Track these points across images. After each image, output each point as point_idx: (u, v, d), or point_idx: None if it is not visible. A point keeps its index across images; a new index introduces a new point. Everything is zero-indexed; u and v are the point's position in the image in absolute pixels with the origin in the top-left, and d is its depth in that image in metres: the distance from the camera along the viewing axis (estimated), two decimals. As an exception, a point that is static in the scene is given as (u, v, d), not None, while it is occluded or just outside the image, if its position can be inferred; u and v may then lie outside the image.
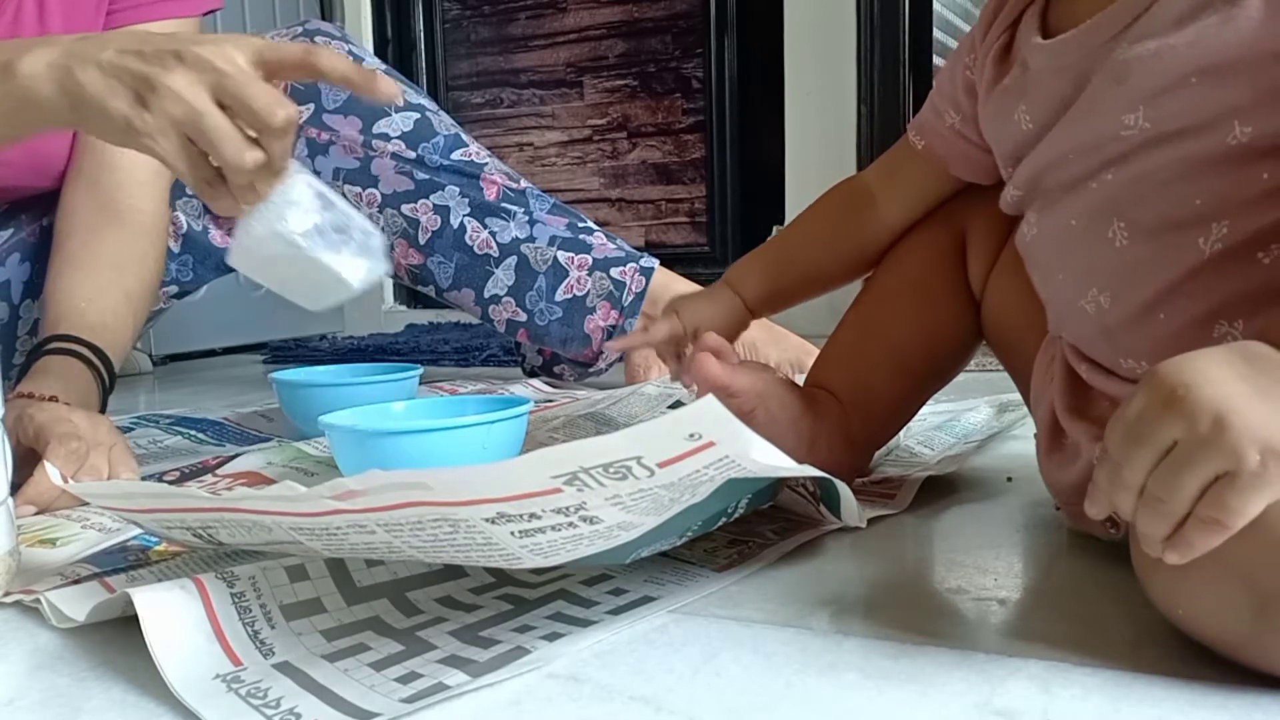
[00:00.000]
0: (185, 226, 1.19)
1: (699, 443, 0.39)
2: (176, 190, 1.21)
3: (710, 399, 0.38)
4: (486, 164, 1.24)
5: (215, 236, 1.21)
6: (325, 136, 1.18)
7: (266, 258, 0.67)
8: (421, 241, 1.21)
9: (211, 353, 1.97)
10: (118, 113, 0.64)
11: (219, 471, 0.84)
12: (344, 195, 1.18)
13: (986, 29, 0.63)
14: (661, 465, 0.39)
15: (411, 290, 2.11)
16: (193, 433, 1.04)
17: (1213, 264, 0.49)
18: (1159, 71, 0.49)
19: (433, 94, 2.51)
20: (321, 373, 1.06)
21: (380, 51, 2.55)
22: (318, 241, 0.66)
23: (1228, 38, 0.47)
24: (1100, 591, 0.52)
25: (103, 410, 0.85)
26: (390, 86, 0.67)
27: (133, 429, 1.05)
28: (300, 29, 1.24)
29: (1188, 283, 0.50)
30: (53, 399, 0.77)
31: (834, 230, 0.76)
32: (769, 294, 0.77)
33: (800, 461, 0.47)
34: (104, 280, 0.93)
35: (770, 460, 0.43)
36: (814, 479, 0.61)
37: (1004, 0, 0.62)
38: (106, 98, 0.64)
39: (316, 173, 1.17)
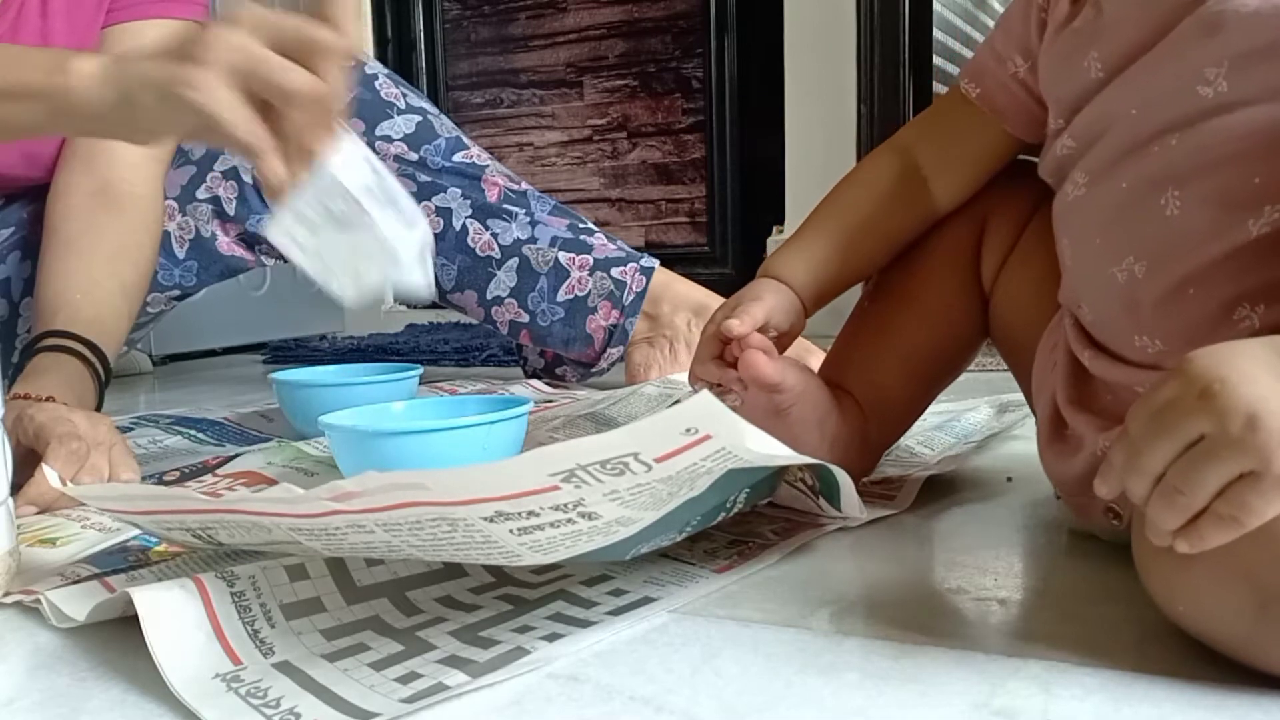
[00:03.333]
0: (194, 232, 1.20)
1: (695, 437, 0.39)
2: (186, 195, 1.21)
3: (705, 393, 0.38)
4: (488, 166, 1.24)
5: (222, 244, 1.21)
6: None
7: (315, 223, 0.64)
8: None
9: (211, 353, 1.97)
10: (164, 73, 0.62)
11: (219, 472, 0.84)
12: None
13: None
14: (659, 460, 0.40)
15: (411, 290, 2.11)
16: (193, 433, 1.04)
17: (1254, 246, 0.48)
18: (1255, 31, 0.48)
19: (433, 94, 2.51)
20: (321, 373, 1.06)
21: (380, 51, 2.55)
22: (374, 202, 0.63)
23: None
24: (1100, 592, 0.52)
25: (99, 407, 0.85)
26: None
27: (133, 429, 1.05)
28: None
29: (1226, 262, 0.49)
30: (50, 400, 0.77)
31: (884, 216, 0.69)
32: (818, 285, 0.70)
33: (820, 460, 0.47)
34: (99, 271, 0.92)
35: (766, 449, 0.43)
36: (813, 472, 0.61)
37: None
38: (153, 66, 0.63)
39: None
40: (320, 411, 0.76)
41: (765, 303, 0.67)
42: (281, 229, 0.65)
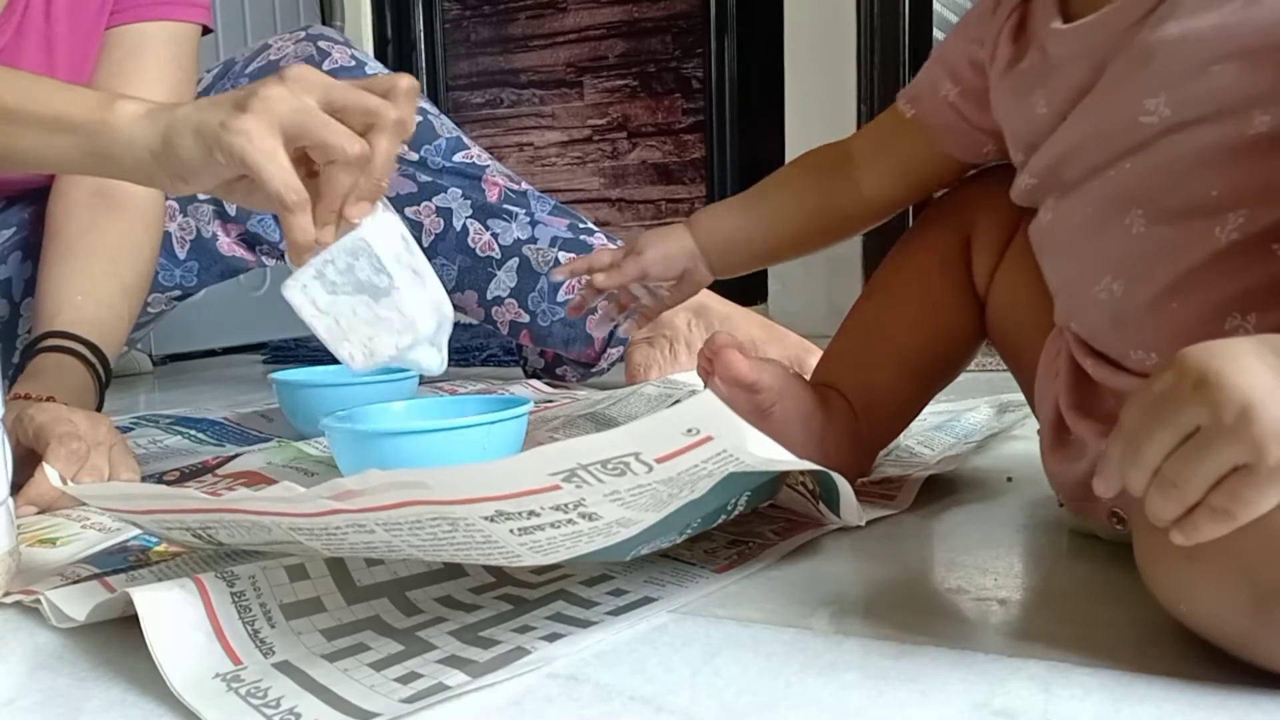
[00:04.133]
0: (195, 232, 1.20)
1: (696, 438, 0.39)
2: (188, 197, 1.21)
3: (708, 394, 0.38)
4: (488, 166, 1.24)
5: (223, 244, 1.21)
6: None
7: (336, 285, 0.63)
8: (424, 244, 1.21)
9: (211, 353, 1.97)
10: (211, 116, 0.62)
11: (219, 471, 0.84)
12: None
13: (996, 4, 0.62)
14: (660, 461, 0.39)
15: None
16: (193, 432, 1.04)
17: (1227, 254, 0.49)
18: (1183, 56, 0.49)
19: (433, 94, 2.51)
20: (320, 373, 1.06)
21: (380, 52, 2.55)
22: (403, 273, 0.63)
23: (1255, 22, 0.47)
24: (1100, 591, 0.52)
25: (100, 408, 0.85)
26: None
27: (133, 429, 1.05)
28: (303, 34, 1.25)
29: (1202, 272, 0.49)
30: (50, 400, 0.77)
31: (807, 190, 0.74)
32: (726, 240, 0.75)
33: (809, 459, 0.47)
34: (99, 271, 0.92)
35: (768, 453, 0.43)
36: (814, 477, 0.61)
37: None
38: (200, 109, 0.64)
39: None
40: (320, 412, 0.76)
41: (644, 257, 0.73)
42: (298, 286, 0.64)
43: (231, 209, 1.22)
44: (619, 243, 1.24)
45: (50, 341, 0.85)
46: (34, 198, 1.12)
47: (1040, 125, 0.57)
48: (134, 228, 0.96)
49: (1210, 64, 0.48)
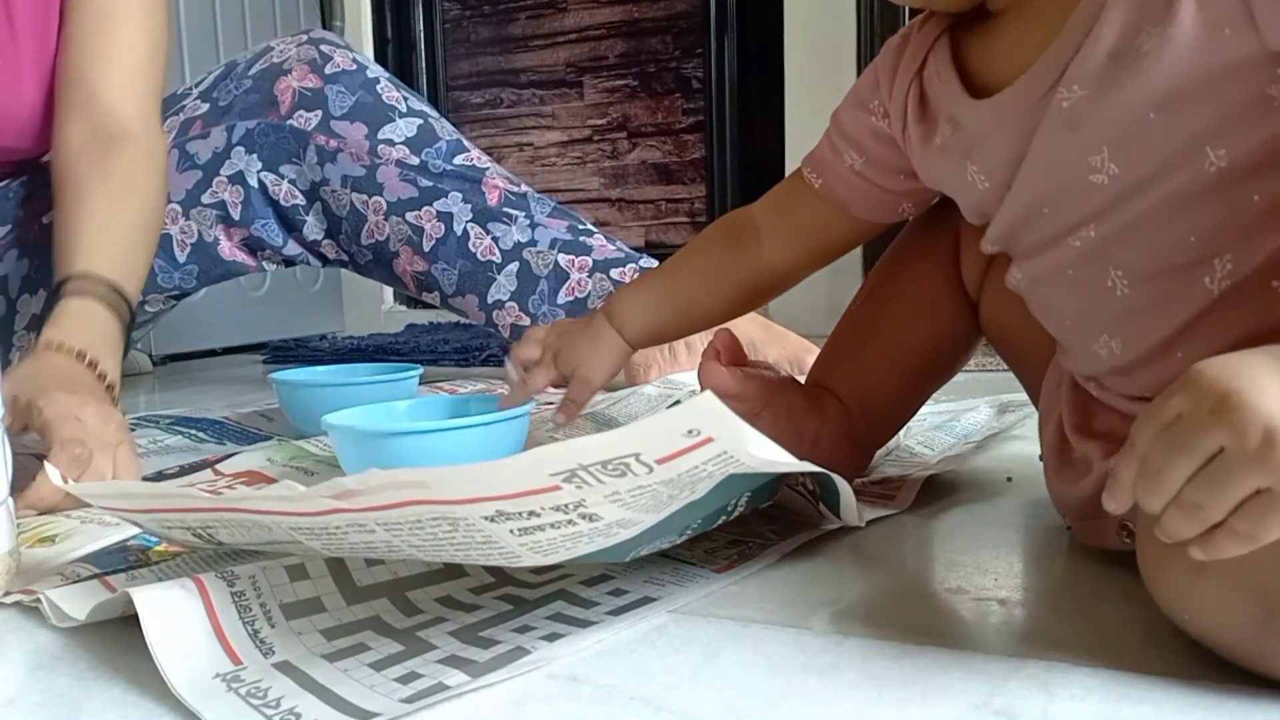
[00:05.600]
0: (196, 235, 1.20)
1: (697, 439, 0.39)
2: (191, 200, 1.21)
3: (708, 395, 0.38)
4: (488, 168, 1.24)
5: (225, 249, 1.21)
6: (333, 144, 1.18)
7: None
8: (426, 249, 1.21)
9: (211, 353, 1.97)
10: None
11: (219, 468, 0.84)
12: (351, 202, 1.19)
13: (891, 77, 0.60)
14: (660, 462, 0.39)
15: (412, 290, 2.11)
16: (193, 432, 1.04)
17: (1225, 301, 0.46)
18: (1113, 114, 0.46)
19: (432, 94, 2.51)
20: (320, 373, 1.06)
21: (380, 52, 2.55)
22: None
23: (1172, 62, 0.44)
24: (1100, 592, 0.52)
25: (127, 350, 0.87)
26: None
27: (133, 429, 1.05)
28: (305, 37, 1.25)
29: (1200, 323, 0.47)
30: (80, 354, 0.78)
31: (715, 266, 0.73)
32: (649, 330, 0.75)
33: (805, 462, 0.47)
34: (111, 207, 0.92)
35: (768, 455, 0.43)
36: (814, 478, 0.61)
37: (899, 48, 0.60)
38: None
39: (325, 180, 1.18)
40: (320, 411, 0.76)
41: (594, 381, 0.76)
42: None
43: (236, 213, 1.22)
44: (618, 243, 1.25)
45: (72, 284, 0.85)
46: (28, 191, 1.12)
47: (985, 198, 0.55)
48: (136, 163, 0.97)
49: (1144, 115, 0.45)
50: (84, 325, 0.82)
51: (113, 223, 0.91)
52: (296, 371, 1.03)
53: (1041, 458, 0.62)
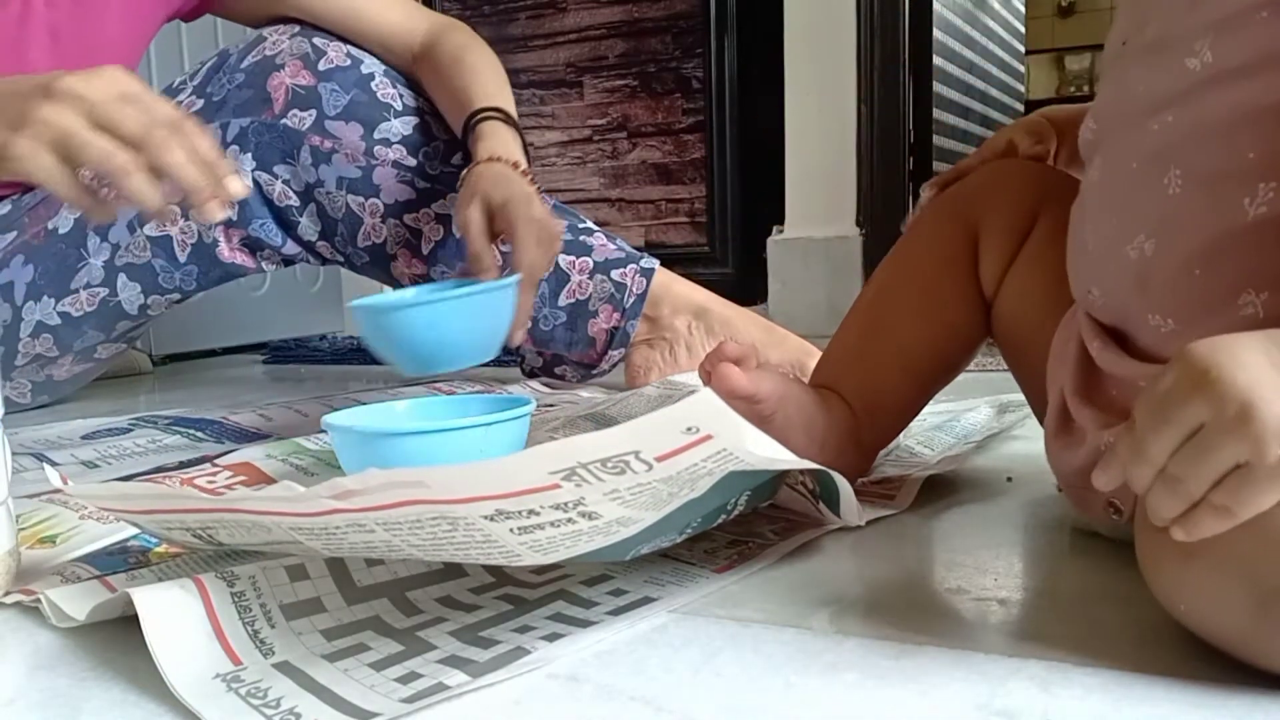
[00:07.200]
0: (196, 236, 1.19)
1: (696, 436, 0.39)
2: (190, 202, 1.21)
3: (707, 392, 0.38)
4: None
5: (224, 250, 1.20)
6: (328, 144, 1.17)
7: None
8: (424, 251, 1.20)
9: (211, 353, 1.97)
10: None
11: (217, 461, 0.84)
12: (347, 204, 1.18)
13: None
14: (659, 459, 0.39)
15: (411, 290, 2.11)
16: (192, 432, 1.04)
17: (1253, 229, 0.48)
18: (1230, 2, 0.48)
19: (433, 94, 2.51)
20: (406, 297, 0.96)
21: (380, 52, 2.54)
22: None
23: None
24: (1100, 592, 0.52)
25: (529, 156, 1.11)
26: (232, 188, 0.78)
27: (131, 429, 1.05)
28: (297, 28, 1.24)
29: (1227, 242, 0.48)
30: (515, 165, 1.04)
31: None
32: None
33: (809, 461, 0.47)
34: (482, 66, 1.22)
35: (768, 452, 0.43)
36: (813, 477, 0.61)
37: None
38: None
39: (320, 181, 1.17)
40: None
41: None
42: None
43: (233, 213, 1.21)
44: (618, 242, 1.24)
45: (484, 115, 1.11)
46: (37, 206, 1.12)
47: (1108, 58, 0.57)
48: (467, 36, 1.31)
49: (1256, 10, 0.47)
50: (504, 142, 1.07)
51: (488, 71, 1.20)
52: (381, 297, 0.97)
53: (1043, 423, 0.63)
